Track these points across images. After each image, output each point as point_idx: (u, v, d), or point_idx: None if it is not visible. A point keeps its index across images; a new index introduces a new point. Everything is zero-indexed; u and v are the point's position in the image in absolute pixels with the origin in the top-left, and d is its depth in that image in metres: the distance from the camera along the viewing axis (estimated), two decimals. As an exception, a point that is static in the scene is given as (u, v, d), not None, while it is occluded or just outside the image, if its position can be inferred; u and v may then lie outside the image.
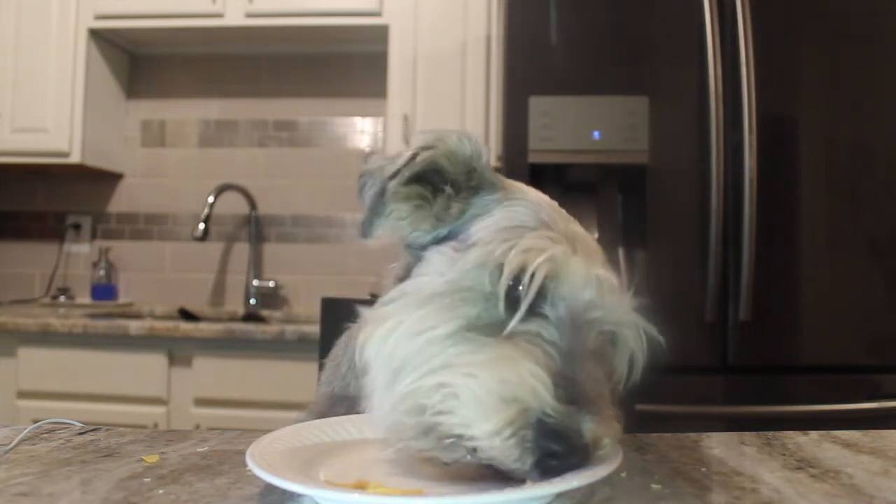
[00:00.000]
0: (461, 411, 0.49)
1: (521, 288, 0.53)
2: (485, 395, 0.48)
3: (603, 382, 0.54)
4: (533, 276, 0.53)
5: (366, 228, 0.61)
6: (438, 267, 0.58)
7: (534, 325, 0.53)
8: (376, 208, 0.60)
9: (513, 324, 0.52)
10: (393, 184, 0.60)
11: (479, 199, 0.62)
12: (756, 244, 1.88)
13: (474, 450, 0.49)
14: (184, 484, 0.58)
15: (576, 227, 0.61)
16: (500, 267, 0.54)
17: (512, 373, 0.49)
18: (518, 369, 0.49)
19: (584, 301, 0.55)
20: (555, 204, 0.64)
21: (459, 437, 0.49)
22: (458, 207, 0.61)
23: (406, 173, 0.60)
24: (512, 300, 0.54)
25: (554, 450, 0.48)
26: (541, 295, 0.54)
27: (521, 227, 0.57)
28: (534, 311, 0.54)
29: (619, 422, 0.53)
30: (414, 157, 0.61)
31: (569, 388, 0.49)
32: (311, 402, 0.83)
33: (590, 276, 0.55)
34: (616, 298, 0.57)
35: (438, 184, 0.62)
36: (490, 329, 0.53)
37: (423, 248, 0.61)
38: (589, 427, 0.49)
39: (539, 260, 0.53)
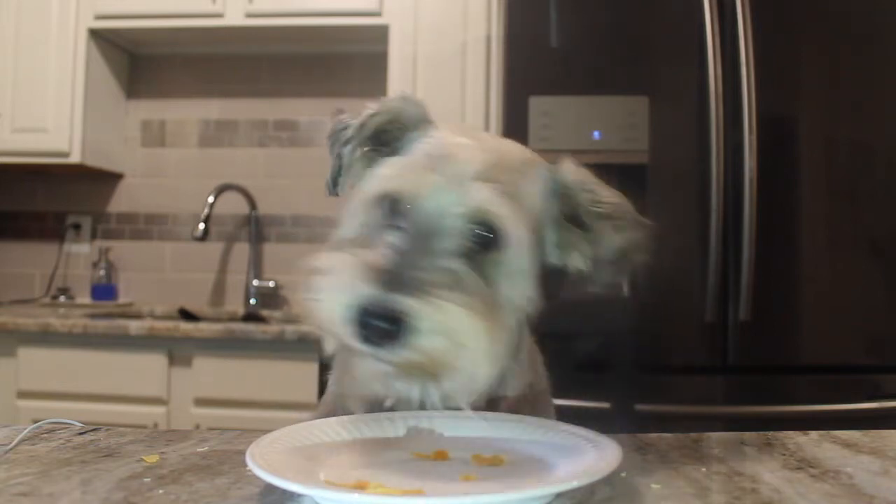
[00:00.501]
0: (319, 304, 0.60)
1: (392, 208, 0.65)
2: (327, 290, 0.59)
3: (454, 271, 0.59)
4: (374, 193, 0.65)
5: (330, 187, 0.75)
6: None
7: (388, 236, 0.62)
8: (337, 169, 0.73)
9: (344, 237, 0.67)
10: (347, 149, 0.72)
11: (406, 137, 0.72)
12: (756, 244, 1.88)
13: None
14: (184, 484, 0.58)
15: (465, 144, 0.67)
16: (364, 197, 0.67)
17: (343, 275, 0.59)
18: (348, 271, 0.59)
19: (430, 211, 0.62)
20: (470, 129, 0.72)
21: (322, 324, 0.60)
22: (397, 151, 0.72)
23: (358, 138, 0.72)
24: (384, 218, 0.65)
25: (367, 321, 0.56)
26: (400, 213, 0.64)
27: (400, 161, 0.68)
28: (395, 226, 0.63)
29: (461, 305, 0.58)
30: (363, 124, 0.73)
31: (386, 277, 0.57)
32: (312, 402, 0.84)
33: (439, 190, 0.62)
34: (478, 199, 0.62)
35: (388, 140, 0.73)
36: (367, 238, 0.64)
37: None
38: (404, 302, 0.56)
39: (382, 183, 0.65)
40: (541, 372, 0.83)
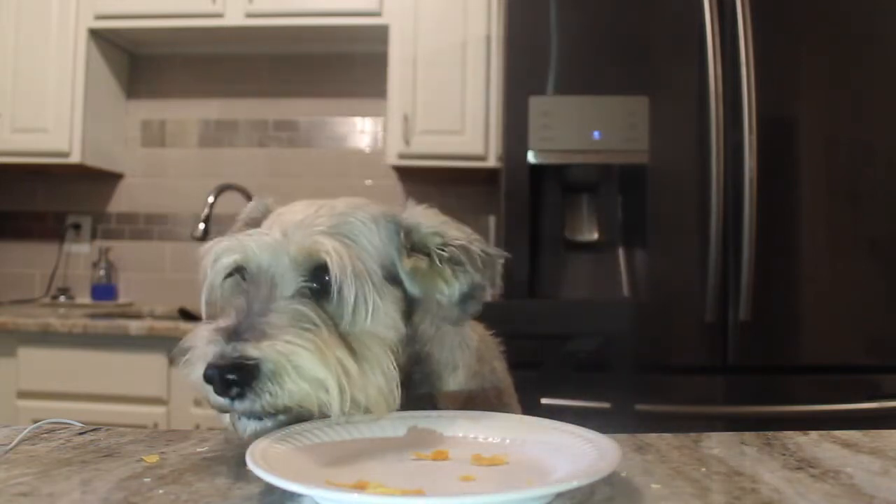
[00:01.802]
0: (189, 374, 0.64)
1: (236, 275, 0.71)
2: (190, 362, 0.64)
3: (293, 312, 0.63)
4: (221, 270, 0.70)
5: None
6: None
7: (237, 300, 0.67)
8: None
9: (203, 307, 0.73)
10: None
11: None
12: (756, 244, 1.88)
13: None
14: (184, 484, 0.58)
15: (296, 208, 0.72)
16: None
17: (198, 344, 0.64)
18: (196, 338, 0.64)
19: (264, 266, 0.66)
20: (315, 202, 0.73)
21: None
22: None
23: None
24: (231, 288, 0.71)
25: (210, 374, 0.60)
26: (241, 276, 0.69)
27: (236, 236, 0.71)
28: (240, 290, 0.68)
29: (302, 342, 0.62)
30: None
31: (230, 332, 0.61)
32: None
33: (269, 246, 0.66)
34: (301, 240, 0.66)
35: None
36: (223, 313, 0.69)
37: None
38: (242, 349, 0.60)
39: (218, 260, 0.70)
40: (498, 368, 0.85)
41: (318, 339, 0.62)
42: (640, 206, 1.99)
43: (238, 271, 0.69)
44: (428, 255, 0.72)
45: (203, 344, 0.63)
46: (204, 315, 0.71)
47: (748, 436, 0.75)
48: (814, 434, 0.76)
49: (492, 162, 2.65)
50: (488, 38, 2.68)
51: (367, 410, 0.64)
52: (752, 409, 1.88)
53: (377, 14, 2.73)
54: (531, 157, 1.98)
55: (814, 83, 1.99)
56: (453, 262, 0.71)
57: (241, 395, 0.60)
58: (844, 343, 1.94)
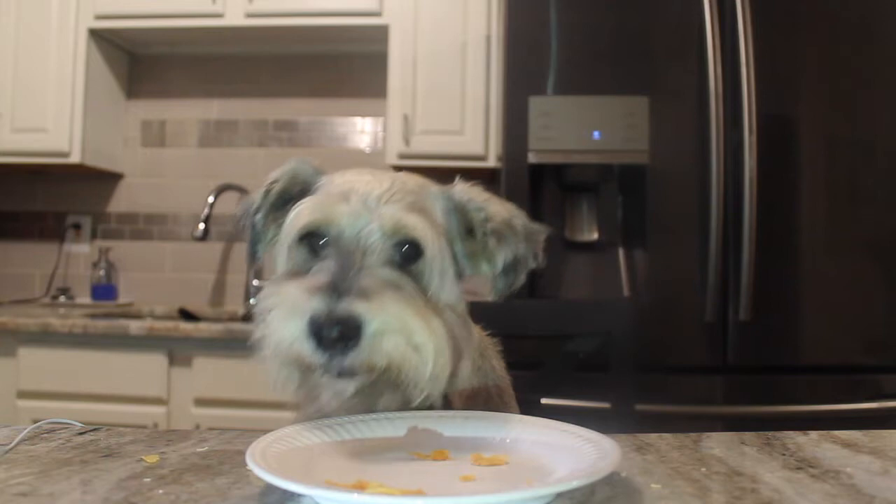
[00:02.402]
0: (274, 333, 0.64)
1: (312, 243, 0.70)
2: (279, 319, 0.63)
3: (387, 279, 0.65)
4: (295, 231, 0.69)
5: (251, 256, 0.78)
6: None
7: (319, 264, 0.68)
8: (253, 239, 0.77)
9: (281, 272, 0.72)
10: (258, 217, 0.77)
11: (307, 193, 0.75)
12: (756, 244, 1.88)
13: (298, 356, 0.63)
14: (184, 484, 0.58)
15: (365, 179, 0.72)
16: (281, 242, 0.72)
17: (287, 300, 0.63)
18: (289, 296, 0.64)
19: (351, 235, 0.67)
20: (367, 170, 0.75)
21: (277, 348, 0.64)
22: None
23: (265, 206, 0.77)
24: (310, 253, 0.70)
25: (319, 330, 0.60)
26: (323, 242, 0.69)
27: (309, 198, 0.72)
28: (321, 255, 0.69)
29: (399, 300, 0.63)
30: (267, 191, 0.77)
31: (329, 291, 0.61)
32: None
33: (353, 215, 0.68)
34: (391, 214, 0.68)
35: (291, 202, 0.76)
36: (300, 274, 0.68)
37: None
38: (352, 305, 0.60)
39: (291, 218, 0.70)
40: (497, 366, 0.86)
41: (417, 304, 0.64)
42: (640, 206, 1.99)
43: (312, 236, 0.70)
44: (472, 230, 0.75)
45: (299, 299, 0.62)
46: (280, 273, 0.71)
47: (748, 436, 0.75)
48: (814, 434, 0.76)
49: (492, 162, 2.65)
50: (488, 38, 2.68)
51: (434, 382, 0.64)
52: (752, 409, 1.88)
53: (377, 14, 2.73)
54: (531, 157, 1.98)
55: (814, 83, 1.99)
56: (497, 235, 0.74)
57: (343, 351, 0.60)
58: (844, 343, 1.94)
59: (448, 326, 0.66)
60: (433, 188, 0.76)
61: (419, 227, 0.68)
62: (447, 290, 0.70)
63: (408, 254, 0.68)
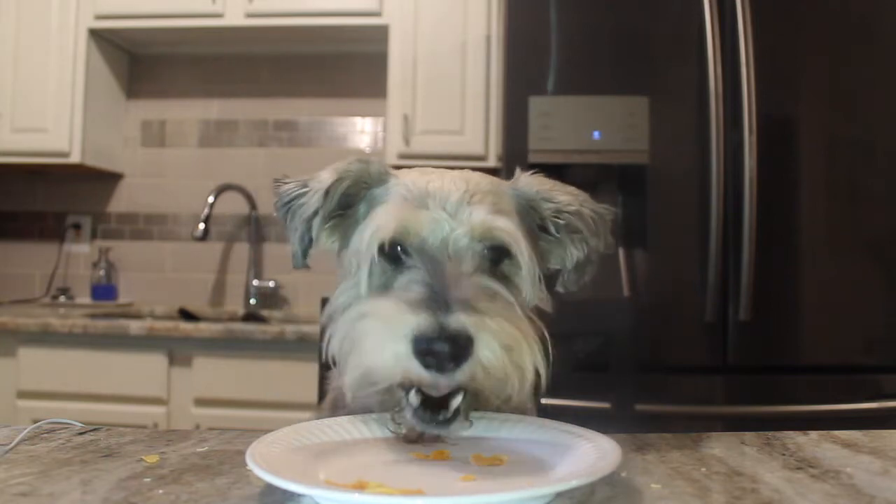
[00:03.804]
0: (370, 354, 0.59)
1: (391, 254, 0.66)
2: (375, 339, 0.59)
3: (484, 287, 0.62)
4: (376, 243, 0.65)
5: (298, 260, 0.72)
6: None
7: (404, 277, 0.64)
8: (305, 242, 0.71)
9: (363, 287, 0.67)
10: (316, 221, 0.70)
11: (371, 193, 0.73)
12: (756, 244, 1.88)
13: (400, 384, 0.60)
14: (184, 484, 0.58)
15: (438, 181, 0.69)
16: (357, 250, 0.68)
17: (385, 320, 0.59)
18: (388, 314, 0.60)
19: (437, 243, 0.64)
20: (430, 170, 0.72)
21: (372, 372, 0.60)
22: (364, 209, 0.72)
23: (325, 210, 0.70)
24: (391, 267, 0.66)
25: (427, 347, 0.56)
26: (405, 251, 0.66)
27: (384, 206, 0.69)
28: (407, 266, 0.65)
29: (503, 311, 0.61)
30: (326, 193, 0.70)
31: (431, 304, 0.58)
32: (312, 402, 0.84)
33: (436, 222, 0.65)
34: (478, 218, 0.65)
35: (349, 203, 0.73)
36: (384, 288, 0.66)
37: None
38: (459, 319, 0.57)
39: (369, 232, 0.66)
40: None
41: (520, 320, 0.61)
42: (641, 206, 1.99)
43: (392, 246, 0.66)
44: (544, 226, 0.73)
45: (400, 316, 0.58)
46: (363, 289, 0.66)
47: (748, 436, 0.75)
48: (814, 434, 0.76)
49: (492, 162, 2.65)
50: (488, 38, 2.68)
51: (521, 393, 0.62)
52: (752, 409, 1.88)
53: (377, 14, 2.73)
54: (531, 157, 1.98)
55: (814, 83, 1.99)
56: (570, 229, 0.72)
57: (453, 368, 0.57)
58: (844, 343, 1.94)
59: (540, 335, 0.63)
60: (504, 185, 0.73)
61: (508, 231, 0.65)
62: (535, 293, 0.68)
63: (495, 257, 0.66)
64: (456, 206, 0.66)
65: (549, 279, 0.72)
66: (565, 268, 0.74)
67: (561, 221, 0.72)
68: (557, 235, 0.73)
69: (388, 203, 0.68)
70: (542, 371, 0.61)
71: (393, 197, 0.69)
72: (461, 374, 0.57)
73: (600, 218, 0.73)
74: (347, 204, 0.73)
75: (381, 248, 0.66)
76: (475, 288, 0.61)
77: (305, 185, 0.72)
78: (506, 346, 0.58)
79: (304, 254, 0.71)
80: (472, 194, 0.67)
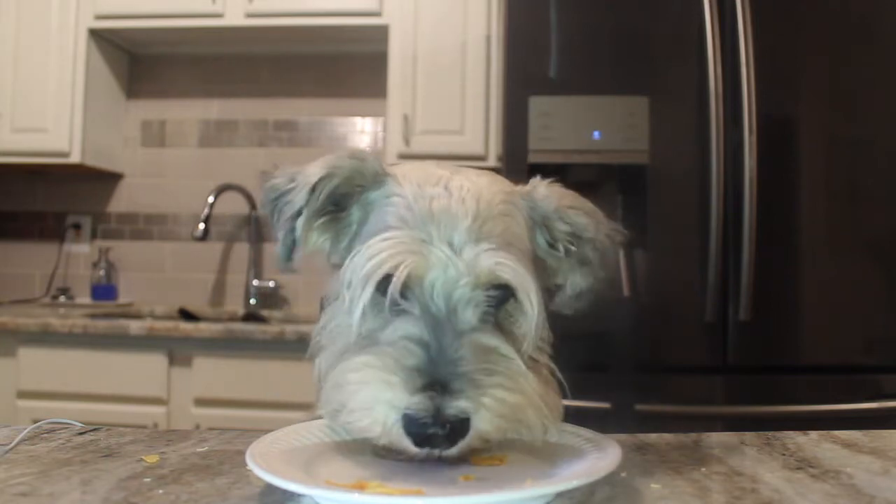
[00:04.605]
0: (357, 416, 0.57)
1: (386, 289, 0.59)
2: (364, 403, 0.56)
3: (484, 347, 0.58)
4: (372, 285, 0.59)
5: (282, 261, 0.66)
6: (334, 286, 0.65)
7: (400, 325, 0.59)
8: (289, 242, 0.65)
9: (355, 334, 0.61)
10: (300, 221, 0.64)
11: (366, 196, 0.66)
12: (756, 244, 1.88)
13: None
14: (184, 484, 0.58)
15: (444, 200, 0.62)
16: (348, 283, 0.60)
17: (374, 381, 0.56)
18: (378, 377, 0.56)
19: (438, 290, 0.58)
20: (434, 173, 0.65)
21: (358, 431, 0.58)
22: (357, 214, 0.67)
23: (309, 209, 0.64)
24: (382, 305, 0.60)
25: (422, 433, 0.54)
26: (404, 295, 0.59)
27: (380, 230, 0.61)
28: (402, 311, 0.59)
29: (507, 383, 0.57)
30: (312, 191, 0.64)
31: (427, 376, 0.55)
32: (313, 402, 0.83)
33: (441, 265, 0.58)
34: (486, 266, 0.59)
35: (341, 202, 0.67)
36: (371, 335, 0.61)
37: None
38: (457, 405, 0.54)
39: (367, 267, 0.58)
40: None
41: (523, 377, 0.58)
42: (641, 206, 1.99)
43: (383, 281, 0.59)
44: (551, 242, 0.69)
45: (389, 386, 0.55)
46: (356, 332, 0.61)
47: (748, 436, 0.75)
48: (814, 434, 0.76)
49: (492, 162, 2.65)
50: (488, 38, 2.68)
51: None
52: (752, 409, 1.88)
53: (377, 14, 2.73)
54: (531, 157, 1.98)
55: (814, 83, 1.99)
56: (581, 259, 0.68)
57: (447, 447, 0.55)
58: (844, 343, 1.94)
59: (544, 381, 0.62)
60: (517, 198, 0.67)
61: (516, 275, 0.59)
62: (538, 332, 0.63)
63: (499, 296, 0.61)
64: (463, 241, 0.59)
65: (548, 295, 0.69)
66: (565, 292, 0.71)
67: (573, 248, 0.68)
68: (566, 257, 0.69)
69: (386, 227, 0.61)
70: (550, 423, 0.59)
71: (391, 216, 0.62)
72: (456, 451, 0.56)
73: (611, 243, 0.70)
74: (339, 203, 0.67)
75: (374, 283, 0.59)
76: (475, 351, 0.57)
77: (293, 180, 0.65)
78: (509, 418, 0.56)
79: (288, 255, 0.65)
80: (483, 222, 0.60)
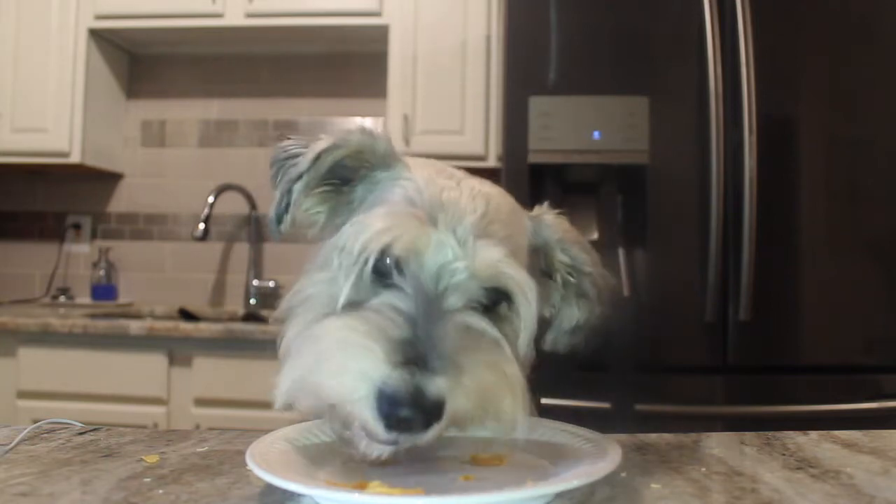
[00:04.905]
0: (323, 378, 0.53)
1: (379, 263, 0.58)
2: (337, 367, 0.53)
3: (465, 344, 0.54)
4: (361, 252, 0.57)
5: (273, 224, 0.64)
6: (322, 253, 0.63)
7: (389, 297, 0.56)
8: (285, 206, 0.63)
9: (341, 302, 0.58)
10: (298, 185, 0.62)
11: (373, 175, 0.65)
12: (756, 244, 1.88)
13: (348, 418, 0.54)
14: (184, 484, 0.58)
15: (454, 192, 0.61)
16: (342, 247, 0.58)
17: (349, 349, 0.53)
18: (353, 344, 0.53)
19: (434, 270, 0.57)
20: (445, 170, 0.65)
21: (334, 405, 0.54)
22: (361, 191, 0.65)
23: (310, 176, 0.63)
24: (373, 276, 0.58)
25: (396, 413, 0.50)
26: (398, 269, 0.58)
27: (382, 204, 0.61)
28: (392, 284, 0.57)
29: (495, 378, 0.54)
30: (316, 158, 0.63)
31: (410, 352, 0.51)
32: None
33: (441, 247, 0.57)
34: (487, 259, 0.57)
35: (346, 177, 0.66)
36: (355, 305, 0.58)
37: None
38: (436, 384, 0.51)
39: (366, 236, 0.57)
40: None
41: (507, 363, 0.56)
42: (641, 206, 1.99)
43: (382, 255, 0.58)
44: (547, 270, 0.68)
45: (368, 352, 0.52)
46: (342, 301, 0.58)
47: (748, 436, 0.75)
48: (814, 434, 0.76)
49: (492, 162, 2.65)
50: (488, 38, 2.68)
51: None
52: (752, 409, 1.88)
53: (377, 14, 2.73)
54: (531, 157, 1.98)
55: (814, 83, 1.99)
56: (578, 291, 0.67)
57: (416, 433, 0.52)
58: (844, 343, 1.94)
59: (522, 383, 0.58)
60: (524, 217, 0.67)
61: (517, 280, 0.58)
62: (525, 342, 0.61)
63: (494, 297, 0.59)
64: (468, 233, 0.58)
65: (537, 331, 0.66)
66: (560, 328, 0.69)
67: (572, 279, 0.67)
68: (561, 290, 0.68)
69: (392, 204, 0.60)
70: (522, 419, 0.56)
71: (398, 196, 0.61)
72: (426, 437, 0.52)
73: (606, 286, 0.69)
74: (343, 178, 0.66)
75: (368, 254, 0.58)
76: (459, 331, 0.54)
77: (305, 147, 0.64)
78: (485, 408, 0.54)
79: (279, 219, 0.63)
80: (490, 222, 0.59)
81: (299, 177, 0.62)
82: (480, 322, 0.57)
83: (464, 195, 0.61)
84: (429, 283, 0.56)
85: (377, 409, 0.51)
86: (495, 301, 0.60)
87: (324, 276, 0.61)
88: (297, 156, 0.64)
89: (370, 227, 0.57)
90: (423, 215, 0.58)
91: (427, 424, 0.51)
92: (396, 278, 0.57)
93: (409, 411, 0.50)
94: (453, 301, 0.57)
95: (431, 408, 0.51)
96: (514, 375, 0.56)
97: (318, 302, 0.61)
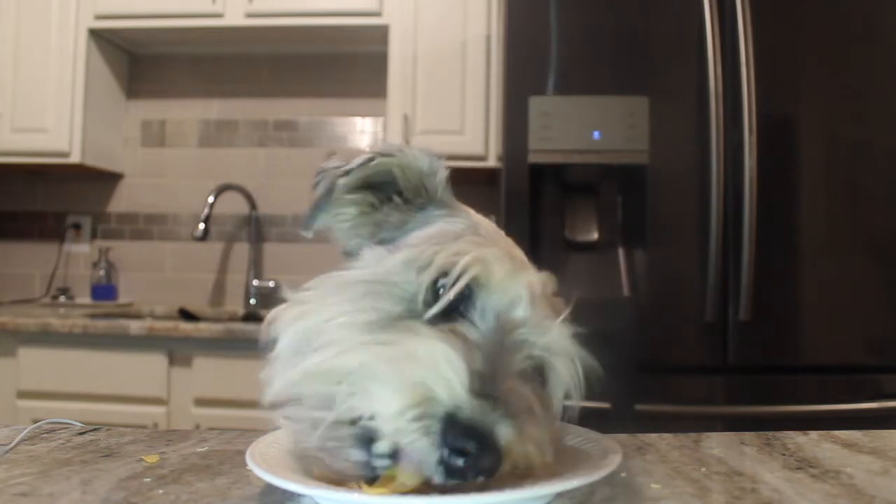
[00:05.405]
0: (372, 389, 0.46)
1: (443, 286, 0.52)
2: (395, 377, 0.45)
3: (529, 399, 0.49)
4: (459, 274, 0.51)
5: (307, 221, 0.60)
6: (366, 262, 0.57)
7: (456, 326, 0.51)
8: (322, 204, 0.59)
9: (432, 312, 0.51)
10: (342, 182, 0.59)
11: (423, 214, 0.60)
12: (756, 244, 1.88)
13: (374, 434, 0.46)
14: (184, 484, 0.58)
15: (514, 249, 0.59)
16: (428, 265, 0.52)
17: (426, 357, 0.46)
18: (434, 354, 0.46)
19: (512, 315, 0.52)
20: (496, 228, 0.62)
21: (360, 417, 0.46)
22: (399, 217, 0.60)
23: (356, 175, 0.59)
24: (434, 299, 0.52)
25: (463, 447, 0.43)
26: (468, 299, 0.52)
27: (455, 234, 0.56)
28: (459, 313, 0.52)
29: (545, 445, 0.50)
30: (369, 160, 0.59)
31: (487, 386, 0.45)
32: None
33: (520, 288, 0.52)
34: (550, 321, 0.53)
35: (388, 193, 0.61)
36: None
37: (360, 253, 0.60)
38: (505, 431, 0.45)
39: (466, 259, 0.51)
40: None
41: (553, 424, 0.54)
42: (640, 206, 1.99)
43: (438, 282, 0.52)
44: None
45: (446, 367, 0.45)
46: (429, 314, 0.51)
47: (748, 436, 0.75)
48: (814, 434, 0.76)
49: (492, 162, 2.65)
50: (488, 38, 2.68)
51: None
52: (752, 409, 1.88)
53: (377, 14, 2.73)
54: (531, 157, 1.98)
55: (814, 83, 1.99)
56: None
57: (465, 474, 0.45)
58: (844, 343, 1.94)
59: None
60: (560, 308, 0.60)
61: (575, 365, 0.55)
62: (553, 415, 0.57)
63: (541, 371, 0.55)
64: (540, 299, 0.54)
65: None
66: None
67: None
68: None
69: (463, 237, 0.55)
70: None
71: (466, 233, 0.56)
72: (485, 479, 0.46)
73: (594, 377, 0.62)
74: (388, 195, 0.61)
75: (438, 274, 0.52)
76: (521, 393, 0.48)
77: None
78: (525, 463, 0.48)
79: (314, 216, 0.60)
80: (551, 299, 0.57)
81: (347, 172, 0.59)
82: (526, 387, 0.51)
83: (519, 253, 0.58)
84: (501, 325, 0.51)
85: (441, 434, 0.43)
86: (542, 374, 0.55)
87: (367, 274, 0.55)
88: (342, 165, 0.61)
89: (466, 251, 0.52)
90: (499, 253, 0.54)
91: (480, 470, 0.44)
92: (468, 309, 0.52)
93: (476, 447, 0.43)
94: (518, 359, 0.51)
95: (495, 452, 0.44)
96: (554, 433, 0.54)
97: (352, 299, 0.54)
